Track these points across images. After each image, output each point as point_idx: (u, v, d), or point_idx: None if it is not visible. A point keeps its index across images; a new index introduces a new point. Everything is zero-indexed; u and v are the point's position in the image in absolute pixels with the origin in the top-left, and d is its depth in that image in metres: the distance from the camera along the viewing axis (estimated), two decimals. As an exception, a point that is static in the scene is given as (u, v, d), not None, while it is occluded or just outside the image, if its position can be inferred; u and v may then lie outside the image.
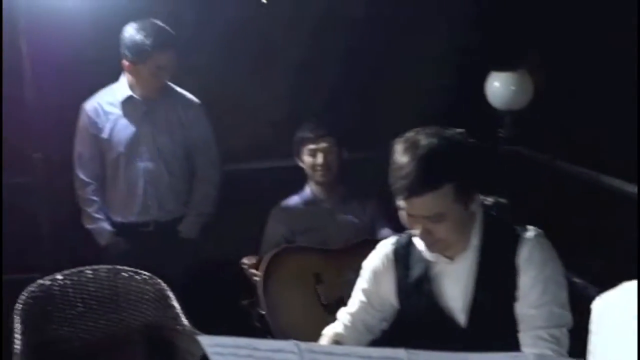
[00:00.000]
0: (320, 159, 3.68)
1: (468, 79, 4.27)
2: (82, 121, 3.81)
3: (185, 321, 3.23)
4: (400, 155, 2.09)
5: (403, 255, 2.34)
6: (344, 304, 3.32)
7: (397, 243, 2.38)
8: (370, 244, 3.49)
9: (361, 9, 4.34)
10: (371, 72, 4.34)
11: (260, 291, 3.38)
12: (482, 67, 4.23)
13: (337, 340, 2.39)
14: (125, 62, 3.66)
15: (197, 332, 3.14)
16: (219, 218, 4.02)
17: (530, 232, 2.21)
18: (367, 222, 3.76)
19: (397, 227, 3.55)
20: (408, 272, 2.32)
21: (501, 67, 4.15)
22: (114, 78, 3.82)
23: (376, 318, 2.40)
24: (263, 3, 4.32)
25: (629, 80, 3.42)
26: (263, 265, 3.43)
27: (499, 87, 4.13)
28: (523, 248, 2.18)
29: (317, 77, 4.37)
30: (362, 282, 2.43)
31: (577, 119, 3.98)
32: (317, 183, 3.76)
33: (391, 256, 2.36)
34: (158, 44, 3.60)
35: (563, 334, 2.13)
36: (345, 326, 2.42)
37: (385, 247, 2.40)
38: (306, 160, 3.72)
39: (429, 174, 2.05)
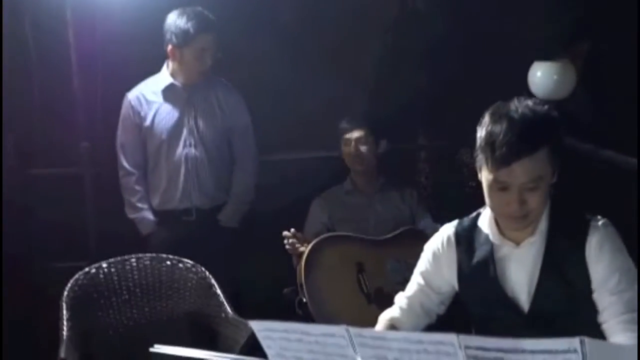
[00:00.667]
0: (353, 149, 3.71)
1: (510, 68, 4.21)
2: (125, 111, 3.85)
3: (228, 309, 3.24)
4: (494, 125, 2.09)
5: (465, 238, 2.32)
6: (383, 293, 3.38)
7: (460, 225, 2.35)
8: (411, 234, 3.59)
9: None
10: (414, 67, 4.32)
11: (302, 279, 3.39)
12: (526, 56, 4.17)
13: (392, 325, 2.35)
14: (170, 47, 3.72)
15: (240, 319, 3.17)
16: (260, 207, 4.04)
17: (600, 220, 2.19)
18: (406, 211, 3.76)
19: (436, 217, 3.57)
20: (471, 254, 2.30)
21: (544, 56, 4.10)
22: (157, 69, 3.85)
23: (434, 301, 2.37)
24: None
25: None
26: (305, 253, 3.44)
27: (540, 76, 4.08)
28: (593, 236, 2.15)
29: (360, 71, 4.38)
30: (422, 265, 2.40)
31: (618, 109, 3.93)
32: (356, 173, 3.79)
33: (453, 238, 2.33)
34: (201, 27, 3.67)
35: None
36: (402, 309, 2.38)
37: (447, 229, 2.37)
38: (344, 150, 3.78)
39: (527, 137, 2.05)
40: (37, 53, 4.00)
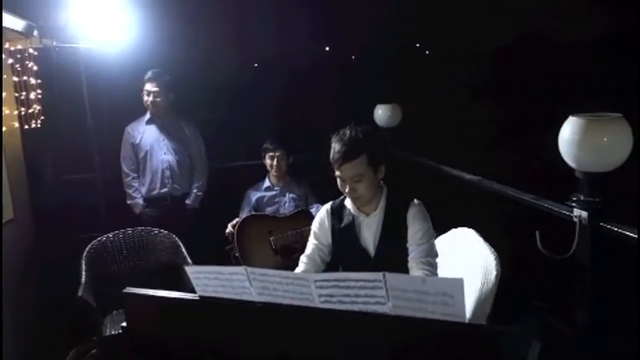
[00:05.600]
0: (275, 162, 3.72)
1: (362, 109, 4.34)
2: (125, 136, 3.85)
3: (189, 260, 3.26)
4: (335, 143, 2.18)
5: (337, 211, 2.34)
6: (285, 249, 3.40)
7: (334, 203, 2.38)
8: (302, 213, 3.60)
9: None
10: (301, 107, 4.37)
11: (234, 240, 3.44)
12: (374, 101, 4.31)
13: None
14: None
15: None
16: (212, 196, 4.02)
17: (415, 201, 2.26)
18: (303, 199, 3.79)
19: (321, 201, 3.63)
20: (340, 221, 2.32)
21: (382, 101, 4.24)
22: (144, 110, 3.87)
23: (325, 252, 2.35)
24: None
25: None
26: (237, 225, 3.49)
27: (381, 113, 4.23)
28: (411, 210, 2.23)
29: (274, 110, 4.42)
30: (313, 230, 2.38)
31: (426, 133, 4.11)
32: (273, 175, 3.78)
33: (329, 211, 2.35)
34: (150, 78, 3.71)
35: (435, 261, 2.20)
36: (307, 263, 2.34)
37: (326, 206, 2.39)
38: (267, 162, 3.75)
39: (348, 150, 2.13)
40: (63, 100, 3.94)
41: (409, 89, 4.56)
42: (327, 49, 4.84)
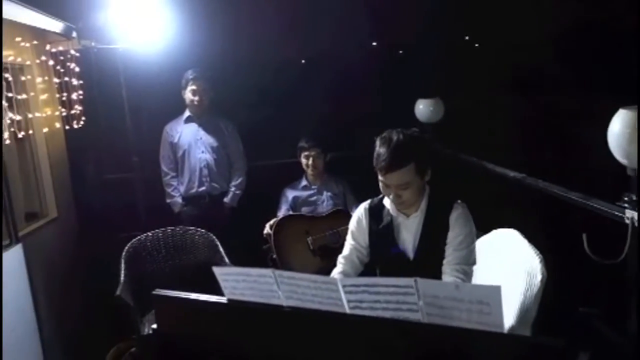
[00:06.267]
0: (311, 161, 3.68)
1: (403, 104, 4.24)
2: (164, 135, 3.88)
3: (227, 259, 3.25)
4: (379, 147, 2.07)
5: (375, 210, 2.26)
6: (323, 250, 3.36)
7: (371, 203, 2.29)
8: (340, 212, 3.56)
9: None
10: (343, 103, 4.29)
11: (272, 241, 3.41)
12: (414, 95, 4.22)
13: (343, 275, 2.26)
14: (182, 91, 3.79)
15: (234, 266, 3.20)
16: (251, 195, 3.99)
17: (458, 203, 2.16)
18: (340, 196, 3.73)
19: (360, 200, 3.60)
20: (378, 222, 2.24)
21: (424, 95, 4.14)
22: (182, 110, 3.89)
23: (363, 253, 2.28)
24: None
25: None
26: (274, 225, 3.46)
27: (422, 108, 4.13)
28: (453, 212, 2.13)
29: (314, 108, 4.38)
30: (351, 229, 2.31)
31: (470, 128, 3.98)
32: (310, 174, 3.74)
33: (367, 211, 2.27)
34: (194, 77, 3.72)
35: (470, 270, 2.11)
36: (344, 264, 2.29)
37: (363, 205, 2.31)
38: (303, 161, 3.71)
39: (398, 157, 2.04)
40: (102, 100, 3.99)
41: (454, 83, 4.42)
42: (374, 44, 4.74)
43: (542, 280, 2.07)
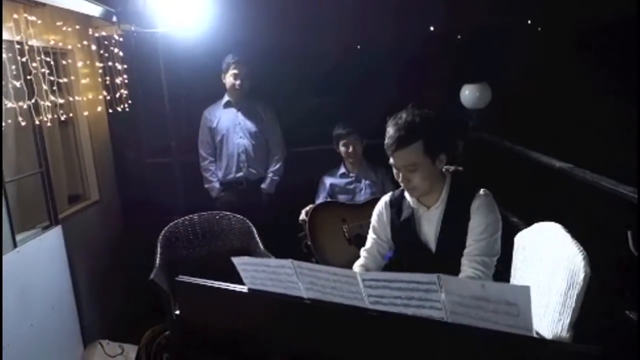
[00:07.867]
0: (350, 148, 3.61)
1: (449, 89, 4.09)
2: (202, 120, 3.89)
3: (261, 246, 3.25)
4: (390, 126, 2.01)
5: (396, 204, 2.22)
6: (359, 238, 3.21)
7: (392, 195, 2.26)
8: (377, 201, 3.49)
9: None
10: (383, 88, 4.15)
11: (307, 228, 3.37)
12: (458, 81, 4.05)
13: (364, 269, 2.23)
14: (222, 75, 3.78)
15: (267, 253, 3.14)
16: (288, 182, 3.95)
17: (482, 191, 2.06)
18: (379, 185, 3.65)
19: (398, 188, 3.50)
20: (399, 214, 2.19)
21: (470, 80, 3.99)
22: (221, 95, 3.88)
23: (385, 247, 2.24)
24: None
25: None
26: (310, 212, 3.42)
27: (468, 94, 3.97)
28: (475, 201, 2.03)
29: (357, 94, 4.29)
30: (372, 223, 2.29)
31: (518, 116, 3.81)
32: (348, 161, 3.68)
33: (388, 203, 2.24)
34: (236, 61, 3.71)
35: (492, 261, 2.01)
36: (366, 257, 2.25)
37: (384, 198, 2.28)
38: (341, 149, 3.64)
39: (404, 135, 1.96)
40: (142, 84, 4.02)
41: (510, 69, 4.22)
42: (432, 28, 4.58)
43: (585, 279, 1.93)
